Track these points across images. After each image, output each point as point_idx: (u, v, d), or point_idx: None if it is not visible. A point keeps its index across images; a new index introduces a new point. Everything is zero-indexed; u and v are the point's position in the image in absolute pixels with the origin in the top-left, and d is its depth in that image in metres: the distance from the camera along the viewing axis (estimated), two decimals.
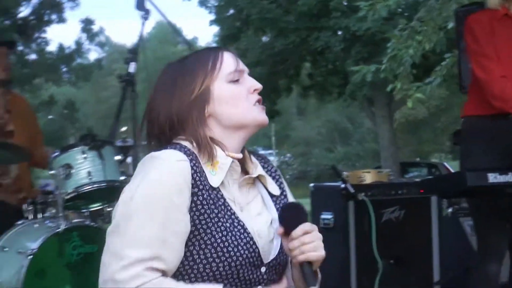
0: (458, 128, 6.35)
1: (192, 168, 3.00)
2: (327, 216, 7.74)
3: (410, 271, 7.72)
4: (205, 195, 3.00)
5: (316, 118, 52.83)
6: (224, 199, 3.05)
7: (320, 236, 3.11)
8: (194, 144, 3.10)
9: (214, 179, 3.04)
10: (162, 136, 3.20)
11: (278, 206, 3.22)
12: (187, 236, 2.98)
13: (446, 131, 34.14)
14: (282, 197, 3.28)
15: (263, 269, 3.07)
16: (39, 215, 6.88)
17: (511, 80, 5.56)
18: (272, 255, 3.11)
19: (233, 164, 3.11)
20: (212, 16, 30.41)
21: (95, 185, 6.68)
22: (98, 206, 7.05)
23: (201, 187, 2.98)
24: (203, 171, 3.06)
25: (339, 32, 25.47)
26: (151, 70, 5.80)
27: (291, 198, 3.34)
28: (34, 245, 6.38)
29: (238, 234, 3.02)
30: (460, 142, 6.16)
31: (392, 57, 12.20)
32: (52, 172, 6.75)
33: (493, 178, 5.33)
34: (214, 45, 30.04)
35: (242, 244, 3.01)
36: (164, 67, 3.37)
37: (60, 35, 32.97)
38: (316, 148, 52.60)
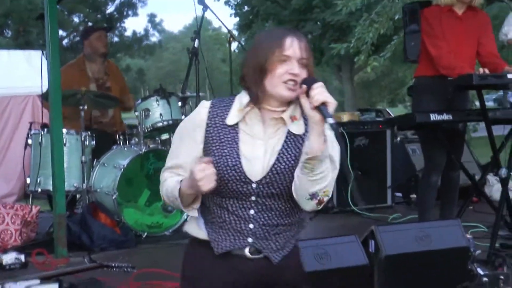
0: (410, 85, 6.38)
1: (209, 113, 2.89)
2: None
3: (372, 179, 7.75)
4: (215, 131, 2.86)
5: None
6: (237, 133, 2.86)
7: None
8: (248, 96, 2.89)
9: (230, 120, 2.87)
10: (244, 82, 2.94)
11: (302, 142, 2.85)
12: (198, 155, 2.88)
13: (387, 88, 34.65)
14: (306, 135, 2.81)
15: (254, 185, 2.82)
16: (127, 142, 7.00)
17: (454, 54, 5.58)
18: (261, 175, 2.81)
19: (251, 111, 2.88)
20: (233, 11, 32.17)
21: (164, 122, 6.85)
22: (166, 136, 7.11)
23: (213, 125, 2.86)
24: (224, 114, 2.90)
25: (318, 22, 27.16)
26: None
27: None
28: (124, 162, 6.51)
29: (230, 158, 2.83)
30: (413, 93, 6.17)
31: (358, 38, 12.39)
32: (136, 113, 6.92)
33: (433, 117, 5.40)
34: (235, 31, 31.25)
35: (230, 165, 2.81)
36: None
37: (134, 24, 33.23)
38: None
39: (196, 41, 5.06)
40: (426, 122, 5.43)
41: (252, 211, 2.85)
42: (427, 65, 5.74)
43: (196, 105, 5.60)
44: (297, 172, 2.81)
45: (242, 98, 2.93)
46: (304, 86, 2.78)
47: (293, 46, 2.85)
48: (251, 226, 2.86)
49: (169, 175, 2.95)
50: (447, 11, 5.69)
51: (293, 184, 2.84)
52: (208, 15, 6.43)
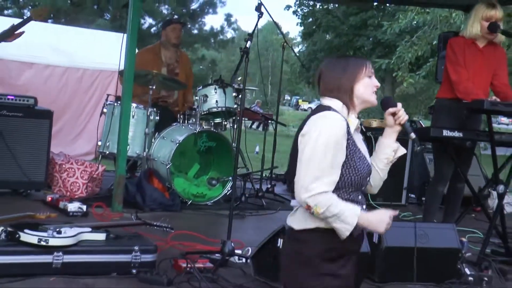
0: (432, 104, 6.32)
1: (346, 124, 2.91)
2: None
3: (390, 180, 7.59)
4: (351, 139, 2.90)
5: None
6: (354, 140, 2.94)
7: None
8: (346, 104, 3.03)
9: (352, 127, 2.95)
10: (326, 92, 3.06)
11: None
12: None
13: (424, 103, 34.24)
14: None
15: (367, 179, 3.02)
16: (186, 122, 7.05)
17: (471, 82, 5.54)
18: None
19: (358, 121, 3.05)
20: (299, 20, 32.09)
21: (219, 108, 6.88)
22: (219, 120, 7.11)
23: (349, 135, 2.89)
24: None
25: (370, 38, 26.99)
26: (260, 48, 6.00)
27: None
28: (181, 138, 6.55)
29: (366, 158, 2.98)
30: (433, 111, 6.05)
31: (398, 57, 12.34)
32: (196, 98, 6.98)
33: (446, 133, 5.36)
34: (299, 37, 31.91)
35: (367, 164, 2.96)
36: (330, 59, 3.27)
37: (212, 21, 33.63)
38: None
39: (249, 42, 5.03)
40: (439, 136, 5.39)
41: (360, 197, 2.96)
42: (447, 88, 5.69)
43: (243, 97, 5.62)
44: (379, 166, 3.18)
45: (339, 107, 3.02)
46: (391, 109, 3.12)
47: (370, 66, 3.10)
48: (363, 207, 2.96)
49: (329, 192, 2.88)
50: (471, 44, 5.63)
51: (374, 174, 3.13)
52: (278, 19, 6.52)
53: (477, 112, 5.61)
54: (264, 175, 7.72)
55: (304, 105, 61.13)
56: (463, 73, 5.54)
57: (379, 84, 3.11)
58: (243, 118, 6.85)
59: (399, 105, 3.15)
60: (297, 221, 2.98)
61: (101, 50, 10.07)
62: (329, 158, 2.89)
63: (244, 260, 4.61)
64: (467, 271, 4.71)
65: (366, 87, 3.08)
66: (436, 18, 12.17)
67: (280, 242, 4.14)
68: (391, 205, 7.49)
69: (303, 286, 2.97)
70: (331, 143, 2.89)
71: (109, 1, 24.94)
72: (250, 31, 5.29)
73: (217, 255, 4.56)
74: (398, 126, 3.18)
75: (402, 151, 3.27)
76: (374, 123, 7.88)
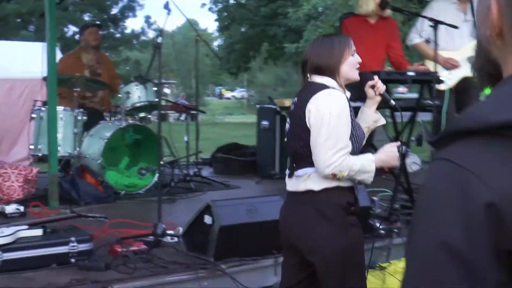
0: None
1: (346, 97, 3.07)
2: (265, 123, 7.75)
3: None
4: (351, 111, 3.07)
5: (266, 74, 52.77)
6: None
7: None
8: (336, 81, 3.09)
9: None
10: (315, 71, 3.15)
11: None
12: None
13: None
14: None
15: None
16: (112, 118, 7.02)
17: (369, 56, 5.46)
18: None
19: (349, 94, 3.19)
20: (215, 16, 32.84)
21: (141, 103, 6.81)
22: (143, 114, 7.10)
23: (350, 107, 3.06)
24: None
25: (281, 27, 26.95)
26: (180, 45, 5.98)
27: None
28: (108, 134, 6.50)
29: (359, 127, 3.16)
30: None
31: (306, 40, 12.50)
32: (119, 95, 6.93)
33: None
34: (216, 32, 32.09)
35: (361, 132, 3.15)
36: (316, 40, 3.35)
37: (133, 24, 33.31)
38: (269, 88, 52.58)
39: (159, 38, 5.03)
40: None
41: None
42: None
43: (159, 91, 5.62)
44: None
45: (333, 84, 3.13)
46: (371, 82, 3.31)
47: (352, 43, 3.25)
48: None
49: (348, 156, 3.02)
50: (363, 21, 5.76)
51: None
52: (196, 17, 6.51)
53: None
54: (191, 160, 7.72)
55: (228, 94, 61.27)
56: (359, 49, 5.65)
57: (360, 60, 3.22)
58: (171, 112, 6.85)
59: (376, 77, 3.34)
60: (316, 184, 3.06)
61: (28, 60, 9.83)
62: (343, 130, 3.02)
63: (176, 239, 4.61)
64: (379, 225, 4.82)
65: (351, 67, 3.18)
66: (336, 2, 12.40)
67: (206, 218, 4.17)
68: None
69: (329, 241, 3.04)
70: (343, 117, 3.02)
71: (32, 13, 24.43)
72: (170, 31, 5.30)
73: (150, 237, 4.56)
74: (378, 97, 3.32)
75: (382, 121, 3.40)
76: (288, 103, 7.91)
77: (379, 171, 6.39)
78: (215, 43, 43.89)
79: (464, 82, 6.15)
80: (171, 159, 7.12)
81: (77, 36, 26.17)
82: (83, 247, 4.17)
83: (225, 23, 31.49)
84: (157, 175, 6.65)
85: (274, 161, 7.56)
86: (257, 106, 8.64)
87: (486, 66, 1.02)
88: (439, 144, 0.95)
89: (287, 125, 3.24)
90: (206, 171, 7.87)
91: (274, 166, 7.55)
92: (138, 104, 6.84)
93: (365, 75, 3.34)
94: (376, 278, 4.44)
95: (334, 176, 3.01)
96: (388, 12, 5.82)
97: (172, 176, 6.88)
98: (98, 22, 9.93)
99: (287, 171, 3.26)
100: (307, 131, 3.04)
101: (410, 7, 7.88)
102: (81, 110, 6.77)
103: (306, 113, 3.03)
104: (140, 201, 6.37)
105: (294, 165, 3.15)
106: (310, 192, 3.08)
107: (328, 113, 2.98)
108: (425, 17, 5.69)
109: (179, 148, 7.46)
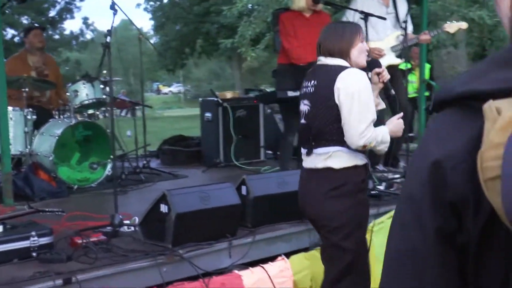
0: (275, 69, 6.47)
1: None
2: (208, 114, 7.70)
3: (249, 141, 7.70)
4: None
5: (201, 69, 52.47)
6: None
7: None
8: (348, 63, 3.29)
9: None
10: (328, 54, 3.31)
11: None
12: None
13: (268, 73, 34.83)
14: None
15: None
16: (61, 116, 6.84)
17: (304, 48, 5.66)
18: None
19: None
20: (150, 15, 31.95)
21: (89, 100, 6.68)
22: (92, 111, 6.91)
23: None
24: None
25: (214, 24, 26.52)
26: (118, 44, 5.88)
27: None
28: (59, 131, 6.36)
29: (374, 103, 3.38)
30: (276, 76, 6.23)
31: (240, 35, 12.44)
32: (67, 94, 6.77)
33: (290, 93, 5.57)
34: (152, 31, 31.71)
35: (374, 108, 3.35)
36: (329, 25, 3.56)
37: (71, 25, 32.56)
38: (204, 82, 52.36)
39: (108, 38, 4.94)
40: (285, 97, 5.53)
41: None
42: (284, 56, 5.83)
43: (111, 87, 5.54)
44: None
45: (347, 65, 3.29)
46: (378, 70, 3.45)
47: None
48: None
49: (372, 128, 3.22)
50: (298, 15, 5.79)
51: None
52: (131, 17, 6.37)
53: None
54: (139, 153, 7.62)
55: (165, 89, 60.73)
56: (294, 42, 5.72)
57: (368, 48, 3.41)
58: (118, 108, 6.76)
59: (384, 66, 3.49)
60: (337, 162, 3.24)
61: None
62: (371, 105, 3.23)
63: (132, 228, 4.56)
64: None
65: (360, 52, 3.31)
66: None
67: (162, 207, 4.13)
68: (252, 162, 7.62)
69: (343, 216, 3.26)
70: (369, 93, 3.24)
71: None
72: (107, 30, 5.19)
73: (108, 228, 4.49)
74: (381, 84, 3.45)
75: (382, 105, 3.50)
76: (229, 95, 7.93)
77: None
78: (152, 41, 43.40)
79: (389, 69, 6.24)
80: (121, 153, 7.02)
81: (16, 39, 25.50)
82: (43, 240, 4.07)
83: (160, 22, 31.05)
84: (108, 168, 6.56)
85: (219, 150, 7.54)
86: (200, 99, 8.58)
87: None
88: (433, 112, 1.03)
89: (305, 107, 3.35)
90: (154, 163, 7.79)
91: (218, 155, 7.53)
92: (87, 102, 6.69)
93: (373, 62, 3.48)
94: None
95: (364, 147, 3.22)
96: (320, 6, 5.87)
97: (122, 169, 6.80)
98: (37, 25, 9.70)
99: (304, 150, 3.39)
100: (335, 109, 3.21)
101: (336, 1, 7.97)
102: (30, 109, 6.59)
103: (335, 91, 3.18)
104: (93, 194, 6.27)
105: (313, 143, 3.28)
106: (329, 170, 3.25)
107: (358, 90, 3.16)
108: (356, 10, 5.76)
109: (125, 142, 7.35)
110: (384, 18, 5.77)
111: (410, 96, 9.27)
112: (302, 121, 3.41)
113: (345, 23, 3.58)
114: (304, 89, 3.40)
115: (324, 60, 3.33)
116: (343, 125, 3.20)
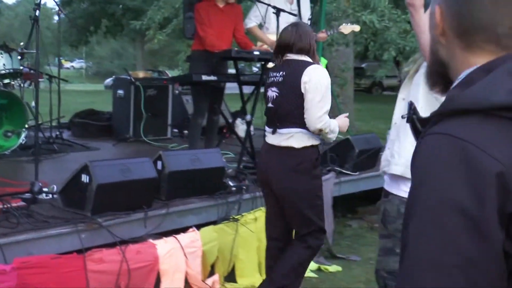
0: (189, 55, 6.38)
1: None
2: (120, 91, 7.55)
3: (158, 119, 7.55)
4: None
5: (103, 47, 50.60)
6: None
7: None
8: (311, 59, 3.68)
9: None
10: (300, 52, 3.63)
11: None
12: None
13: (168, 56, 34.26)
14: None
15: None
16: None
17: (218, 36, 5.65)
18: None
19: None
20: None
21: (6, 70, 6.33)
22: (7, 81, 6.48)
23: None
24: None
25: (120, 5, 26.01)
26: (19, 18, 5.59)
27: None
28: None
29: None
30: (190, 61, 6.17)
31: (149, 19, 12.18)
32: None
33: (205, 77, 5.53)
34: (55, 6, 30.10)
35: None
36: (295, 24, 3.76)
37: None
38: (106, 60, 50.60)
39: (37, 12, 4.70)
40: (200, 80, 5.49)
41: None
42: (199, 42, 5.79)
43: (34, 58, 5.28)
44: None
45: (310, 61, 3.64)
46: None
47: None
48: None
49: (328, 117, 3.54)
50: (213, 5, 5.76)
51: None
52: None
53: (226, 60, 5.79)
54: (52, 124, 7.31)
55: (67, 64, 58.48)
56: (208, 31, 5.67)
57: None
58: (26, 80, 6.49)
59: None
60: (298, 142, 3.54)
61: None
62: (329, 97, 3.52)
63: (51, 196, 4.40)
64: (230, 183, 4.90)
65: (316, 50, 3.61)
66: None
67: (83, 177, 4.01)
68: (160, 139, 7.53)
69: (306, 187, 3.57)
70: (329, 87, 3.53)
71: None
72: (11, 3, 4.95)
73: (27, 194, 4.30)
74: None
75: None
76: (141, 74, 7.80)
77: (223, 136, 6.51)
78: (56, 18, 41.62)
79: None
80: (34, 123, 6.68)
81: None
82: None
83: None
84: (22, 137, 6.26)
85: (129, 126, 7.38)
86: (114, 76, 8.35)
87: (434, 65, 1.10)
88: (428, 122, 0.99)
89: (273, 93, 3.63)
90: (65, 134, 7.51)
91: (128, 131, 7.40)
92: (3, 71, 6.31)
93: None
94: (230, 228, 4.54)
95: (320, 131, 3.51)
96: None
97: (36, 138, 6.48)
98: None
99: (268, 128, 3.69)
100: (300, 97, 3.49)
101: None
102: None
103: (302, 83, 3.47)
104: (7, 161, 5.94)
105: (278, 124, 3.58)
106: (290, 148, 3.54)
107: (321, 84, 3.47)
108: (269, 5, 5.82)
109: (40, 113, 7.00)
110: (295, 15, 5.86)
111: None
112: (270, 105, 3.67)
113: (305, 25, 3.88)
114: (272, 78, 3.66)
115: (292, 56, 3.58)
116: (306, 110, 3.48)
